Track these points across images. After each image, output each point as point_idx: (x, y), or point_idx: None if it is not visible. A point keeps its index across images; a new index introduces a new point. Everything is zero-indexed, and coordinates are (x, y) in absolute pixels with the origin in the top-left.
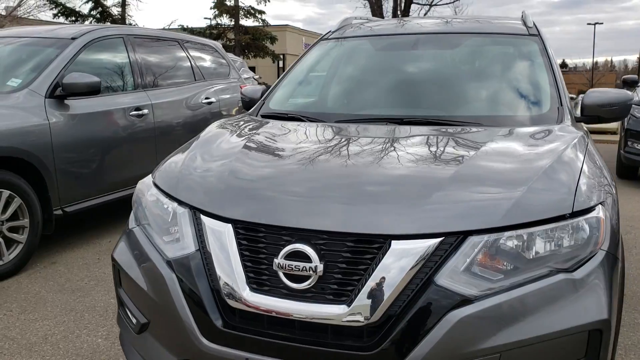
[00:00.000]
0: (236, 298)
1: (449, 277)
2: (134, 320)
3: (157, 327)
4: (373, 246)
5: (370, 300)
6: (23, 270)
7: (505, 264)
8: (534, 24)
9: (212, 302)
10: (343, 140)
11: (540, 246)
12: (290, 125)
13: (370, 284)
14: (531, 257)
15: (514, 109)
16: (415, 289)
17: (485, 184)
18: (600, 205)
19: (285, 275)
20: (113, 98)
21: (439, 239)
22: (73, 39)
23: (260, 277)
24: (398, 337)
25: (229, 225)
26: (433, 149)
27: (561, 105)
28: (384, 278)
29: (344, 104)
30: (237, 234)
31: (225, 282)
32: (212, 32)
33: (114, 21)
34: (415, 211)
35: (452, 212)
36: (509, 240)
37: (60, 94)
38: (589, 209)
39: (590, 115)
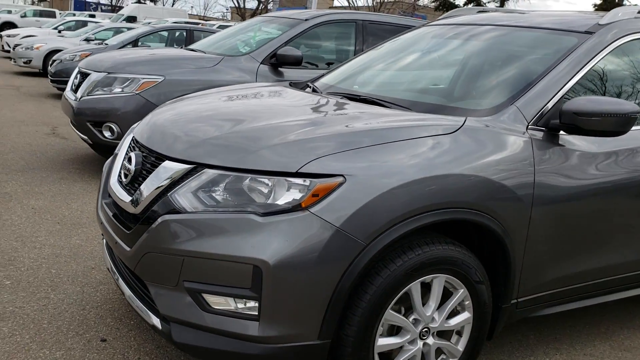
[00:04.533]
0: (111, 184)
1: (181, 194)
2: None
3: None
4: (154, 160)
5: (138, 197)
6: None
7: (222, 195)
8: (615, 21)
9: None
10: (257, 98)
11: (251, 190)
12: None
13: (142, 187)
14: (240, 196)
15: (457, 99)
16: (161, 196)
17: (261, 136)
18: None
19: (124, 171)
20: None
21: (189, 166)
22: (306, 20)
23: (119, 172)
24: (140, 225)
25: (130, 135)
26: (294, 116)
27: (515, 104)
28: (148, 184)
29: (350, 81)
30: (130, 144)
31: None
32: None
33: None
34: (188, 143)
35: (205, 149)
36: (231, 179)
37: (273, 62)
38: (317, 175)
39: (567, 124)
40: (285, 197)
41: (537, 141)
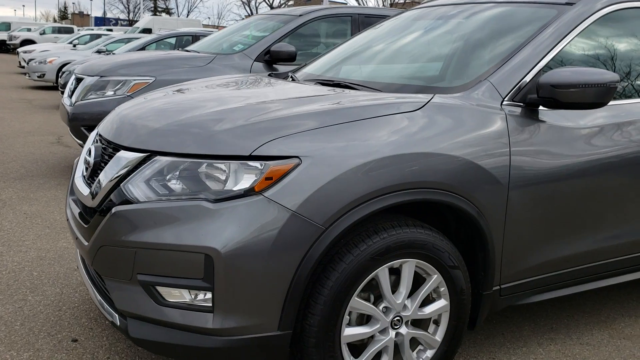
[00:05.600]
0: (75, 180)
1: (134, 184)
2: None
3: None
4: (112, 151)
5: (97, 190)
6: None
7: (175, 183)
8: None
9: None
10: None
11: (206, 176)
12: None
13: (99, 179)
14: (194, 183)
15: (430, 78)
16: (115, 187)
17: (216, 120)
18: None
19: (85, 165)
20: None
21: (143, 154)
22: (300, 15)
23: (82, 167)
24: (96, 218)
25: (96, 130)
26: (259, 97)
27: (489, 80)
28: (105, 175)
29: (328, 68)
30: (94, 139)
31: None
32: None
33: None
34: (141, 131)
35: (158, 136)
36: (184, 166)
37: (267, 59)
38: (271, 157)
39: (545, 98)
40: (239, 182)
41: (513, 117)
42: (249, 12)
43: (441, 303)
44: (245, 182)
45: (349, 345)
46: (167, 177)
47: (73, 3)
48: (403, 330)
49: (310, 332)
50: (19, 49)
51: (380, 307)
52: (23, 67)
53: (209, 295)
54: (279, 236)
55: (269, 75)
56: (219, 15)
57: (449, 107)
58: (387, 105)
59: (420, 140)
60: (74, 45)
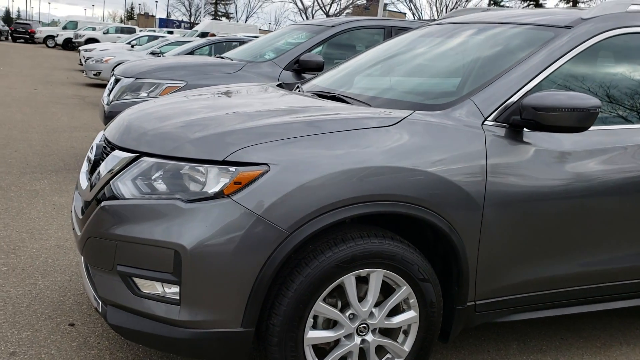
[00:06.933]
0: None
1: (123, 181)
2: None
3: None
4: (109, 150)
5: (93, 184)
6: None
7: (158, 183)
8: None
9: None
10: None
11: (187, 178)
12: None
13: (96, 175)
14: (175, 184)
15: (415, 95)
16: (106, 183)
17: (198, 126)
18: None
19: (87, 162)
20: None
21: (133, 155)
22: (332, 26)
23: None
24: (89, 211)
25: (101, 132)
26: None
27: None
28: (100, 172)
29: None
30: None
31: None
32: None
33: None
34: (133, 133)
35: (146, 138)
36: (167, 168)
37: (296, 68)
38: (242, 163)
39: (528, 120)
40: (213, 185)
41: (494, 137)
42: (305, 19)
43: (410, 314)
44: (218, 185)
45: (316, 347)
46: (152, 177)
47: (139, 4)
48: (369, 337)
49: (273, 331)
50: (81, 47)
51: (347, 314)
52: (82, 64)
53: (177, 289)
54: (244, 238)
55: (278, 85)
56: (276, 21)
57: (425, 124)
58: (363, 119)
59: (390, 155)
60: (132, 46)
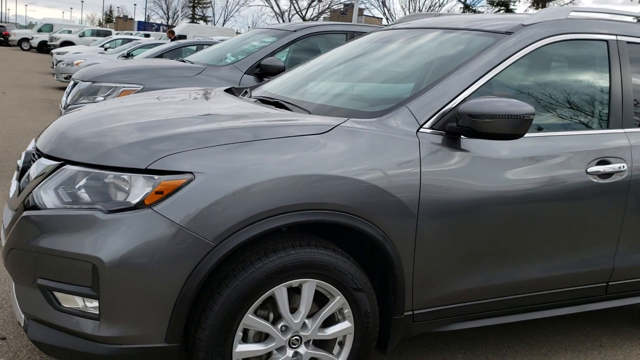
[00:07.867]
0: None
1: (45, 190)
2: None
3: None
4: (37, 158)
5: (19, 193)
6: None
7: (81, 192)
8: (540, 22)
9: None
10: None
11: (110, 187)
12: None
13: (21, 184)
14: (97, 193)
15: (355, 102)
16: (30, 192)
17: (123, 134)
18: (182, 175)
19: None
20: None
21: (57, 163)
22: (294, 31)
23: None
24: (12, 221)
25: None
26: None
27: (407, 106)
28: (28, 179)
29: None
30: None
31: None
32: None
33: None
34: (58, 141)
35: (69, 146)
36: (90, 176)
37: (257, 72)
38: (166, 172)
39: (464, 127)
40: (135, 195)
41: (429, 145)
42: (282, 21)
43: (345, 325)
44: (140, 195)
45: None
46: (75, 186)
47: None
48: (302, 349)
49: (200, 346)
50: (53, 50)
51: (279, 326)
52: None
53: (97, 303)
54: (167, 250)
55: (227, 90)
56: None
57: (356, 132)
58: (295, 126)
59: (320, 163)
60: (105, 49)
